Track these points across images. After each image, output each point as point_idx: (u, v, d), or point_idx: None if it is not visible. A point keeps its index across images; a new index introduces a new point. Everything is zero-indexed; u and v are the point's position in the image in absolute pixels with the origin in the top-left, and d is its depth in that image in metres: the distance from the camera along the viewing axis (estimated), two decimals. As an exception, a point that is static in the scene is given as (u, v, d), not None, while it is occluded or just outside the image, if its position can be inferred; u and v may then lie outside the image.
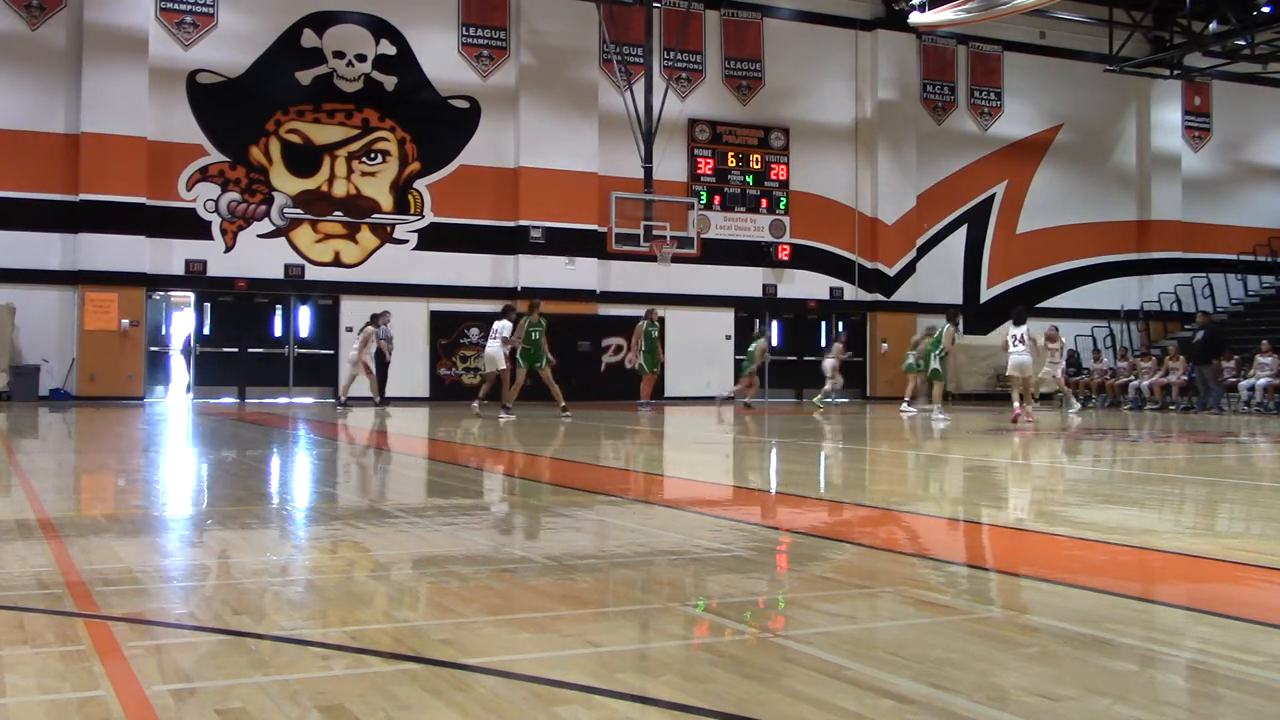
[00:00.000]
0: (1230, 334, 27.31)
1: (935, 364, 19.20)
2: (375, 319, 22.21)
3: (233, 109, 23.70)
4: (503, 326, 18.31)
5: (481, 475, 9.15)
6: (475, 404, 18.89)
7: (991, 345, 29.43)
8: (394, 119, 24.94)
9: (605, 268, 26.27)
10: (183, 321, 24.70)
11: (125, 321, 22.71)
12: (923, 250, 29.65)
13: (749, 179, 27.99)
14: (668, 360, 23.80)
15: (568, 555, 4.92)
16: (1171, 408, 23.68)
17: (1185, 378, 24.01)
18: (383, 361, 23.02)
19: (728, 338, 27.49)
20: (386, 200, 24.89)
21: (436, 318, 25.14)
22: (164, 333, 24.35)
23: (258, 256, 23.87)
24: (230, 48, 23.84)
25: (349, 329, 24.05)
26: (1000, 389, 28.81)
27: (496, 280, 25.59)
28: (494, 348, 18.22)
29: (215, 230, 23.68)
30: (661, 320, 23.11)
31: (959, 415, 20.08)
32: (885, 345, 28.51)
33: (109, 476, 9.08)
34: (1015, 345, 17.89)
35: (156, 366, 24.00)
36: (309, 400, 24.19)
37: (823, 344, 29.12)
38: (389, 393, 23.14)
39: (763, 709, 2.72)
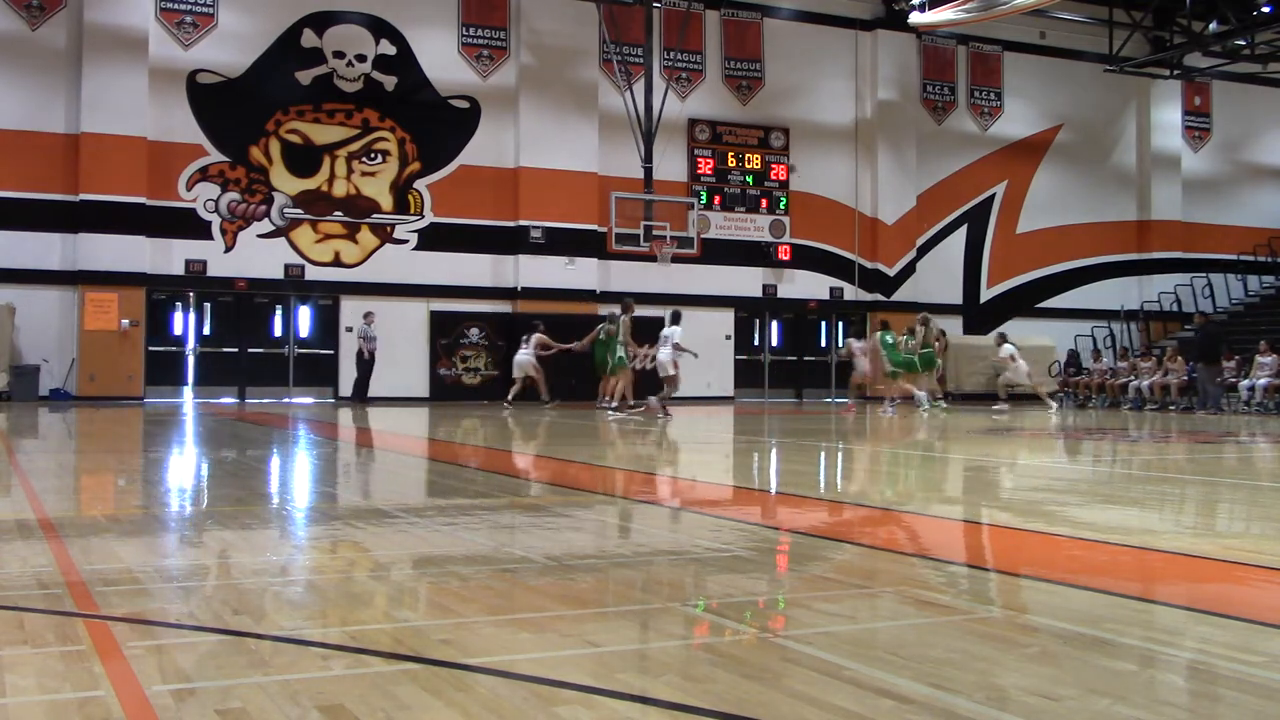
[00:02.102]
0: (1230, 334, 27.30)
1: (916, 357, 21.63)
2: (535, 326, 22.28)
3: (233, 109, 23.70)
4: (674, 332, 18.66)
5: (481, 475, 9.15)
6: (654, 401, 19.10)
7: (990, 345, 29.45)
8: (394, 119, 24.95)
9: (605, 268, 26.27)
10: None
11: (125, 321, 22.71)
12: (923, 250, 29.65)
13: (749, 179, 27.99)
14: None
15: (568, 555, 4.92)
16: (1171, 408, 23.68)
17: (1185, 378, 24.01)
18: (362, 361, 23.17)
19: (727, 338, 27.49)
20: (386, 200, 24.90)
21: (436, 318, 25.15)
22: (182, 331, 24.07)
23: (258, 256, 23.87)
24: (230, 48, 23.85)
25: (349, 329, 24.07)
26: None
27: (496, 280, 25.60)
28: (665, 354, 18.52)
29: (215, 230, 23.68)
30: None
31: (960, 415, 20.12)
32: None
33: (109, 476, 9.08)
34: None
35: (165, 366, 23.77)
36: (309, 400, 24.19)
37: (823, 344, 29.12)
38: (372, 392, 23.24)
39: (763, 709, 2.72)
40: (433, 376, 25.15)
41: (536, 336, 22.06)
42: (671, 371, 18.52)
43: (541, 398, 21.80)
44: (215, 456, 10.76)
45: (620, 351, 19.65)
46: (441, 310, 25.17)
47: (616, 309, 22.50)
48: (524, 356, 21.93)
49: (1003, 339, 23.28)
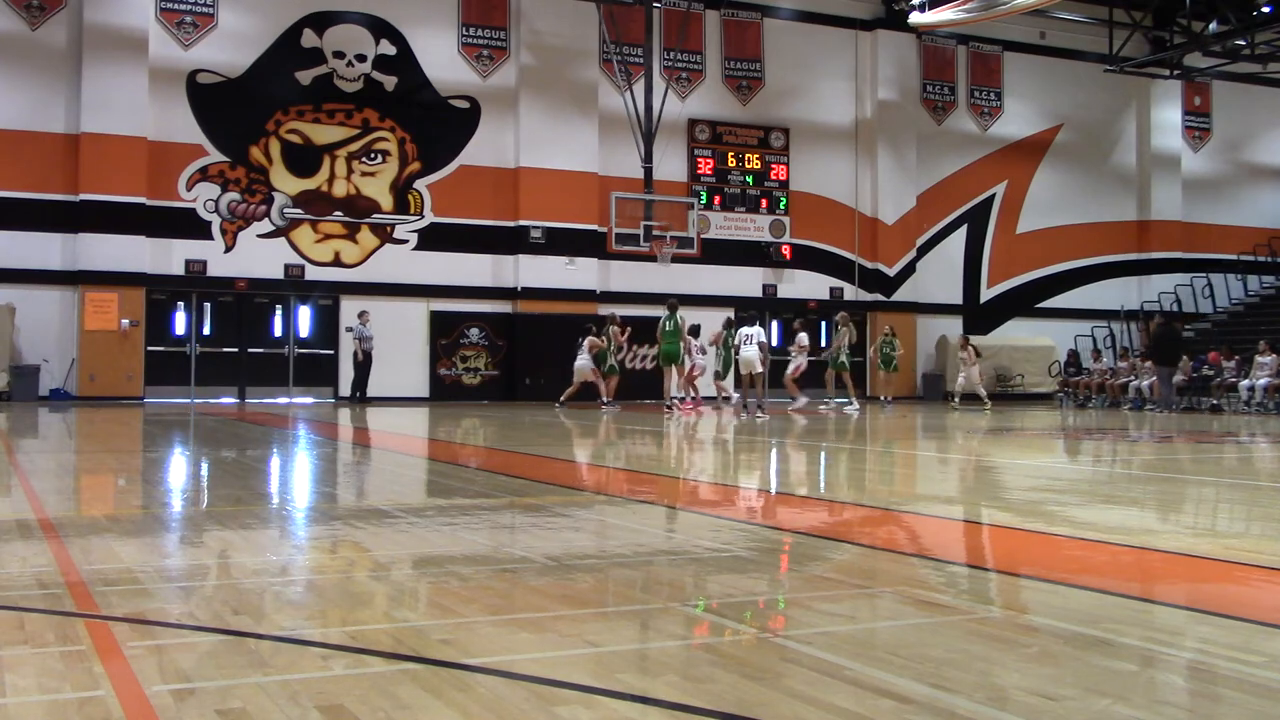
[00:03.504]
0: (1230, 334, 27.34)
1: (843, 358, 22.42)
2: (588, 329, 22.06)
3: (233, 109, 23.71)
4: (758, 331, 19.47)
5: (482, 475, 9.15)
6: (744, 404, 19.87)
7: (991, 345, 29.51)
8: (394, 119, 24.95)
9: (605, 268, 26.27)
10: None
11: (125, 321, 22.71)
12: (923, 250, 29.65)
13: (749, 179, 27.99)
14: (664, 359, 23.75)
15: (568, 555, 4.92)
16: (1171, 408, 23.65)
17: (1183, 378, 24.06)
18: (358, 361, 23.17)
19: (728, 338, 27.48)
20: (386, 200, 24.90)
21: (436, 318, 25.15)
22: (182, 332, 23.86)
23: (258, 256, 23.87)
24: (230, 48, 23.85)
25: (348, 329, 24.06)
26: (1002, 389, 28.87)
27: (497, 280, 25.60)
28: (751, 352, 19.29)
29: (215, 230, 23.69)
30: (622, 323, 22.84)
31: (960, 415, 20.14)
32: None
33: (109, 476, 9.08)
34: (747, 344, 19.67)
35: (165, 366, 23.64)
36: (309, 400, 24.19)
37: (823, 344, 29.08)
38: (372, 392, 23.22)
39: (763, 709, 2.72)
40: (433, 376, 25.15)
41: (589, 340, 21.70)
42: (760, 369, 19.24)
43: (602, 399, 21.30)
44: (215, 456, 10.76)
45: (681, 350, 20.44)
46: (441, 310, 25.17)
47: (614, 310, 22.71)
48: (582, 362, 21.47)
49: (800, 325, 22.89)
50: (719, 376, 22.02)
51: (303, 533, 5.84)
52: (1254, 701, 2.84)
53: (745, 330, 19.79)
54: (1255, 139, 33.99)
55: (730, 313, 24.08)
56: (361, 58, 24.77)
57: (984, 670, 3.07)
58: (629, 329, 22.42)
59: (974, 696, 2.82)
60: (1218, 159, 33.56)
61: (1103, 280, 31.79)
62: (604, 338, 21.68)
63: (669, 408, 20.31)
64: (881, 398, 23.95)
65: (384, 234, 24.90)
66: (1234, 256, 32.00)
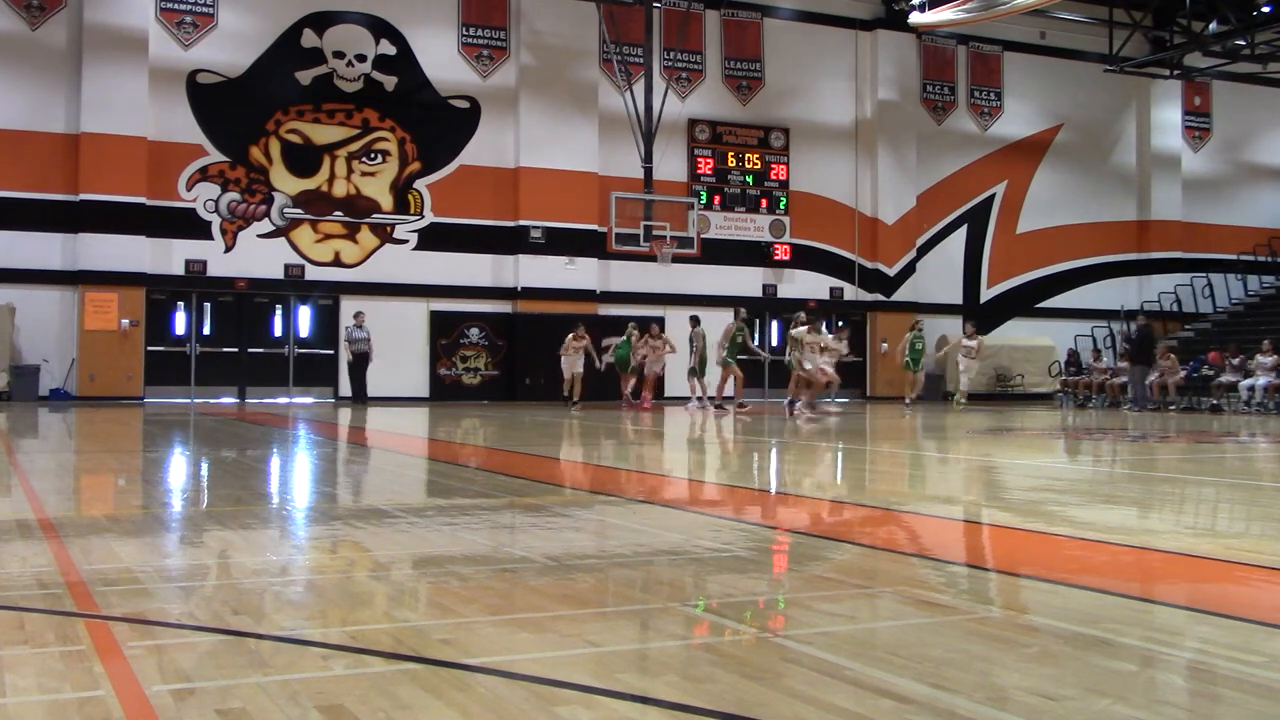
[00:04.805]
0: (1231, 334, 27.36)
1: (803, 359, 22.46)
2: (577, 331, 22.50)
3: (233, 109, 23.71)
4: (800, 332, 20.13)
5: (482, 475, 9.15)
6: (808, 405, 20.22)
7: (991, 345, 29.48)
8: (394, 119, 24.95)
9: (605, 268, 26.27)
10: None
11: (125, 321, 22.71)
12: (923, 250, 29.65)
13: (749, 179, 27.99)
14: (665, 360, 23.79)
15: (568, 555, 4.92)
16: (1171, 408, 23.68)
17: (1177, 379, 24.10)
18: (348, 362, 23.16)
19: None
20: (386, 200, 24.90)
21: (436, 318, 25.15)
22: (182, 331, 23.83)
23: (258, 256, 23.87)
24: (230, 48, 23.85)
25: (348, 329, 24.04)
26: (1002, 389, 28.89)
27: (497, 280, 25.60)
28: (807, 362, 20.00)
29: (215, 230, 23.69)
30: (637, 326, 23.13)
31: (960, 415, 20.15)
32: (885, 345, 28.50)
33: (109, 476, 9.08)
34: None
35: (165, 366, 23.60)
36: (309, 400, 24.19)
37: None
38: (372, 393, 23.18)
39: (763, 709, 2.72)
40: (433, 376, 25.16)
41: (644, 338, 22.65)
42: (807, 370, 19.71)
43: (573, 397, 22.07)
44: (215, 456, 10.75)
45: (726, 355, 21.40)
46: (441, 310, 25.18)
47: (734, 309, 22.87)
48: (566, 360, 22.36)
49: (696, 320, 22.79)
50: (693, 374, 22.37)
51: (303, 533, 5.84)
52: (1254, 701, 2.84)
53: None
54: (1255, 139, 33.99)
55: (730, 313, 24.08)
56: (361, 58, 24.77)
57: (984, 670, 3.07)
58: (649, 330, 22.96)
59: (974, 696, 2.82)
60: (1218, 159, 33.55)
61: (1103, 280, 31.79)
62: (640, 340, 22.45)
63: (721, 408, 21.32)
64: (906, 399, 23.97)
65: (384, 234, 24.91)
66: (1234, 256, 32.00)
